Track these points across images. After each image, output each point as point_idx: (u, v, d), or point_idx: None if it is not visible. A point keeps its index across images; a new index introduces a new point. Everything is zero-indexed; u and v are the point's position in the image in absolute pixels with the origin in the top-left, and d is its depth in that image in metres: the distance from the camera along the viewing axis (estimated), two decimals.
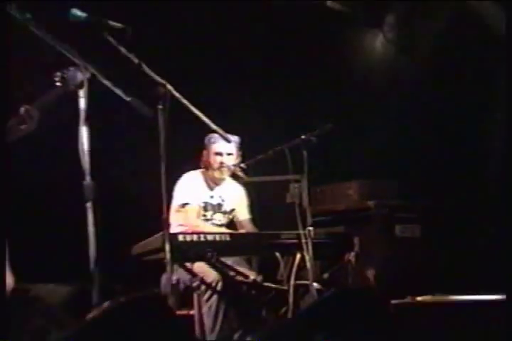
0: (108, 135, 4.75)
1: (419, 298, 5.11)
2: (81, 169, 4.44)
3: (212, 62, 7.54)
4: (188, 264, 6.14)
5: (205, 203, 6.88)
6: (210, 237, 6.13)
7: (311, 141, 6.31)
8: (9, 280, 4.91)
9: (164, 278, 5.53)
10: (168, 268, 5.06)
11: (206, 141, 6.78)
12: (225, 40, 7.65)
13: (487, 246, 7.26)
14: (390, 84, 8.10)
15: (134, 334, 3.39)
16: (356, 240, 6.86)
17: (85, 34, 4.68)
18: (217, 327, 6.14)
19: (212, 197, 6.92)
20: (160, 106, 4.72)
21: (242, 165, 6.73)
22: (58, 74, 4.68)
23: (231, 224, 7.00)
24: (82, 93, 4.52)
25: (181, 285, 6.21)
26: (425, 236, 7.32)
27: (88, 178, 4.42)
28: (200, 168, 6.93)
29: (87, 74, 4.53)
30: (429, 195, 7.51)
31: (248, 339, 6.12)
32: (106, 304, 3.64)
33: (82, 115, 4.48)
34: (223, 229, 6.80)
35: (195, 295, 6.20)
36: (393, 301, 4.76)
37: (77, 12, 4.67)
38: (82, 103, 4.50)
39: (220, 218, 6.94)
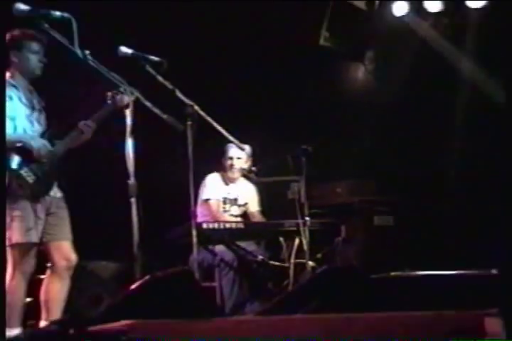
0: (148, 144, 4.79)
1: (392, 273, 5.14)
2: (126, 171, 4.48)
3: (231, 91, 7.56)
4: (210, 246, 6.21)
5: (224, 198, 6.88)
6: (227, 225, 6.25)
7: (308, 150, 6.37)
8: (73, 257, 4.99)
9: (192, 257, 5.56)
10: (195, 249, 5.07)
11: (224, 148, 6.81)
12: (238, 75, 7.63)
13: (444, 232, 7.28)
14: (369, 104, 8.08)
15: (168, 301, 3.42)
16: (343, 228, 6.82)
17: (131, 66, 4.77)
18: (233, 296, 6.21)
19: (229, 193, 6.92)
20: (189, 123, 4.69)
21: (253, 168, 6.80)
22: (109, 95, 4.76)
23: (244, 214, 6.99)
24: (128, 112, 4.54)
25: (205, 263, 6.24)
26: (397, 224, 7.34)
27: (132, 179, 4.47)
28: (219, 170, 6.96)
29: (133, 97, 4.56)
30: (400, 192, 7.52)
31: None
32: (146, 277, 3.69)
33: (128, 128, 4.50)
34: (238, 219, 6.83)
35: (216, 271, 6.26)
36: (372, 276, 4.80)
37: (124, 49, 4.74)
38: (129, 119, 4.51)
39: (236, 210, 6.94)
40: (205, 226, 6.01)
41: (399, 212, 7.41)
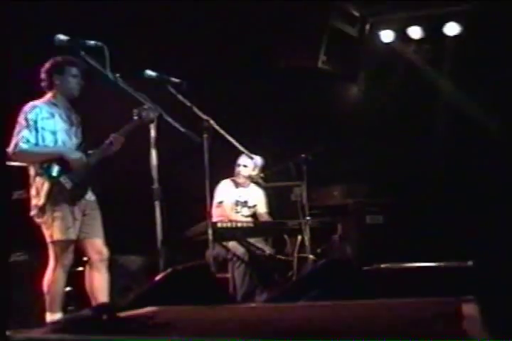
0: (169, 154, 4.80)
1: (382, 265, 5.13)
2: (151, 177, 4.51)
3: (242, 108, 7.55)
4: (224, 243, 6.21)
5: (236, 201, 6.88)
6: (239, 224, 6.26)
7: (308, 159, 6.38)
8: (105, 251, 4.99)
9: (208, 252, 5.56)
10: (211, 245, 5.10)
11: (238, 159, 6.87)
12: (248, 95, 7.64)
13: (426, 229, 7.27)
14: (361, 119, 8.10)
15: (188, 290, 3.43)
16: (339, 226, 6.84)
17: (155, 86, 4.78)
18: (244, 286, 6.19)
19: (240, 196, 6.91)
20: (205, 135, 4.74)
21: (261, 174, 6.83)
22: (136, 111, 4.77)
23: (254, 215, 6.96)
24: (152, 126, 4.58)
25: (220, 257, 6.21)
26: (386, 222, 7.32)
27: (156, 184, 4.50)
28: (231, 176, 6.94)
29: (156, 113, 4.59)
30: (389, 195, 7.51)
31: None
32: (169, 270, 3.69)
33: (152, 141, 4.54)
34: (248, 219, 6.81)
35: (229, 264, 6.26)
36: (364, 268, 4.79)
37: (149, 72, 4.76)
38: (153, 132, 4.55)
39: (246, 211, 6.93)
40: (219, 225, 6.00)
41: (388, 212, 7.39)
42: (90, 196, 4.98)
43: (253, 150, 5.60)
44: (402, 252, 6.53)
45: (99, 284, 4.89)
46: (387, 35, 8.14)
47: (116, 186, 6.17)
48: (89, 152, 4.95)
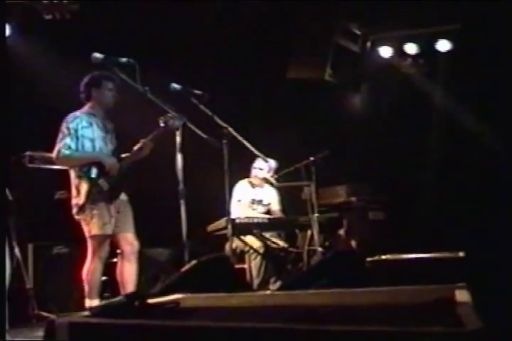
0: (193, 158, 4.80)
1: (383, 257, 5.10)
2: (177, 179, 4.53)
3: (258, 116, 7.54)
4: (242, 237, 6.19)
5: (252, 199, 6.86)
6: (255, 220, 6.23)
7: (316, 161, 6.37)
8: (136, 244, 4.99)
9: (227, 245, 5.57)
10: (230, 239, 5.16)
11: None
12: (263, 104, 7.64)
13: (424, 224, 7.25)
14: (364, 125, 8.06)
15: (210, 280, 3.42)
16: (344, 221, 6.85)
17: (179, 97, 4.78)
18: (260, 276, 6.17)
19: (256, 195, 6.90)
20: (224, 141, 4.75)
21: (274, 176, 6.81)
22: (162, 119, 4.77)
23: (268, 212, 6.94)
24: (178, 133, 4.60)
25: (238, 250, 6.21)
26: (387, 218, 7.28)
27: (181, 185, 4.52)
28: (248, 177, 6.93)
29: (181, 121, 4.61)
30: (389, 193, 7.47)
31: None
32: (193, 261, 3.68)
33: (178, 146, 4.56)
34: (263, 216, 6.75)
35: (246, 256, 6.25)
36: (368, 259, 4.77)
37: (174, 85, 4.77)
38: (178, 139, 4.58)
39: (261, 209, 6.90)
40: (237, 221, 5.97)
41: (389, 209, 7.35)
42: (124, 196, 5.00)
43: (267, 154, 5.60)
44: (401, 244, 6.50)
45: (128, 273, 4.89)
46: (386, 51, 8.15)
47: (146, 187, 6.18)
48: (122, 156, 4.96)
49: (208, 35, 7.06)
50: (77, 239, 4.95)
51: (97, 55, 4.47)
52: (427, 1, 7.01)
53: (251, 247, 6.23)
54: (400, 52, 8.10)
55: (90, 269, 4.77)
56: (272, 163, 6.65)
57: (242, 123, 5.28)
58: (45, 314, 4.99)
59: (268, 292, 4.88)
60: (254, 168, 6.83)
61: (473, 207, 6.91)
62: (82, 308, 4.64)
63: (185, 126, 4.60)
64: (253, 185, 6.91)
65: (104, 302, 4.64)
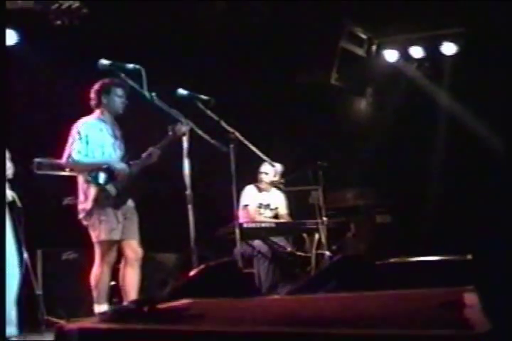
0: (200, 163, 4.80)
1: (391, 260, 5.08)
2: (184, 184, 4.52)
3: (265, 121, 7.57)
4: (250, 241, 6.17)
5: (259, 204, 6.83)
6: (263, 225, 6.20)
7: (323, 165, 6.35)
8: (140, 251, 4.92)
9: (236, 250, 5.57)
10: (238, 244, 5.11)
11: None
12: (270, 109, 7.64)
13: (430, 227, 7.24)
14: (369, 129, 8.10)
15: (218, 284, 3.41)
16: (352, 225, 6.84)
17: (186, 103, 4.79)
18: (269, 280, 6.14)
19: (263, 199, 6.87)
20: (231, 146, 4.73)
21: (281, 180, 6.80)
22: (170, 128, 4.78)
23: (276, 216, 6.91)
24: (185, 138, 4.60)
25: (246, 254, 6.12)
26: (393, 221, 7.29)
27: (189, 190, 4.50)
28: (255, 182, 6.91)
29: (188, 127, 4.61)
30: (395, 197, 7.48)
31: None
32: (201, 266, 3.67)
33: (185, 152, 4.56)
34: (271, 220, 6.75)
35: (254, 260, 6.22)
36: (375, 262, 4.75)
37: (181, 91, 4.77)
38: (185, 144, 4.57)
39: (269, 213, 6.87)
40: (245, 225, 5.93)
41: (395, 212, 7.35)
42: (131, 202, 5.00)
43: (274, 158, 5.60)
44: (409, 248, 6.50)
45: (131, 279, 4.89)
46: (391, 55, 8.17)
47: (154, 192, 6.18)
48: (131, 163, 4.97)
49: (215, 41, 7.09)
50: (85, 245, 4.95)
51: (104, 61, 4.48)
52: (432, 5, 7.02)
53: (259, 251, 6.20)
54: (405, 56, 8.13)
55: (98, 274, 4.77)
56: (278, 168, 6.63)
57: (249, 127, 5.28)
58: (54, 320, 4.99)
59: (276, 296, 4.87)
60: (261, 172, 6.81)
61: (480, 210, 6.89)
62: (91, 314, 4.63)
63: (191, 132, 4.60)
64: (260, 190, 6.90)
65: (113, 307, 4.65)
